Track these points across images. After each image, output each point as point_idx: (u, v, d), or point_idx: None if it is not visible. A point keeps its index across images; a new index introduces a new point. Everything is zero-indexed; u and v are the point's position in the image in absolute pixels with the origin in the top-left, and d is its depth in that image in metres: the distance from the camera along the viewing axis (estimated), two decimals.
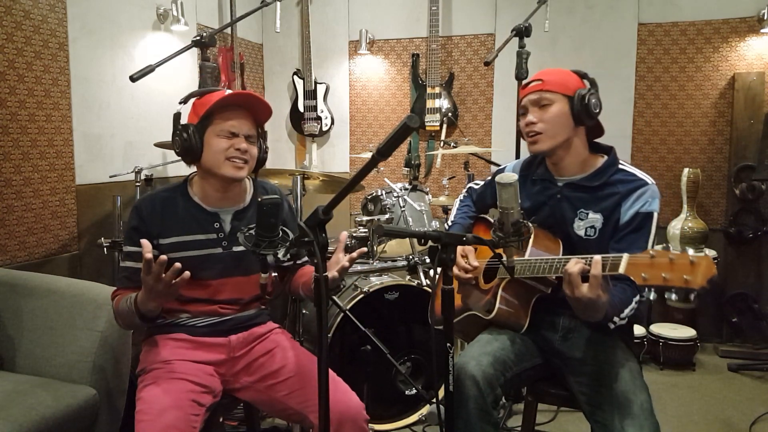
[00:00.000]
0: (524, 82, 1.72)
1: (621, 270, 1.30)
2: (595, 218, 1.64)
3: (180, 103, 1.66)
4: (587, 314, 1.48)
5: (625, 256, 1.30)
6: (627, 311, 1.55)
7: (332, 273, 1.54)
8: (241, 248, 1.67)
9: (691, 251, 1.25)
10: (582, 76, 1.69)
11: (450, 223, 1.99)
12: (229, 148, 1.62)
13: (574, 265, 1.40)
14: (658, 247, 1.32)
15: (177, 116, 1.64)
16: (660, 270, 1.24)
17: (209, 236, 1.68)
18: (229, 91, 1.65)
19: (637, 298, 1.56)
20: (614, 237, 1.61)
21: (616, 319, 1.55)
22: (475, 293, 1.78)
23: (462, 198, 2.05)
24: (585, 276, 1.39)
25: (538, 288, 1.65)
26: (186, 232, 1.66)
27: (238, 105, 1.65)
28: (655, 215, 1.59)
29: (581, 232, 1.66)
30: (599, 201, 1.64)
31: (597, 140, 1.75)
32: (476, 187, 2.02)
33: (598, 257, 1.37)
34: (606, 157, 1.69)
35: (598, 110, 1.64)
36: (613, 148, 1.72)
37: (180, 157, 1.66)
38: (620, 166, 1.67)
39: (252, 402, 1.74)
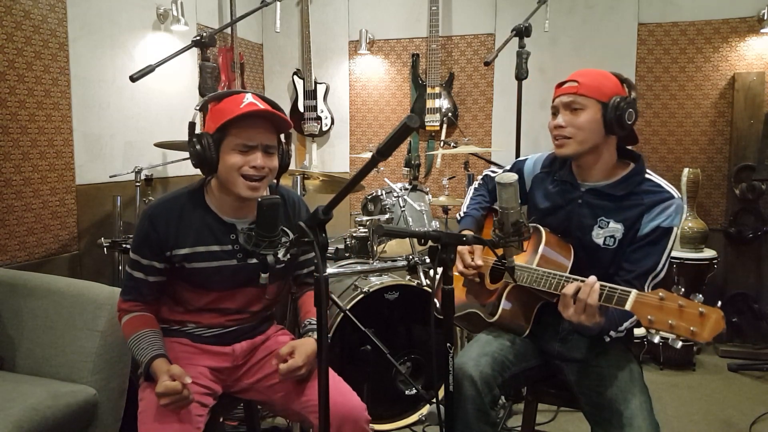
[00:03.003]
0: (559, 81, 1.62)
1: (627, 307, 1.26)
2: (616, 228, 1.58)
3: (196, 109, 1.56)
4: (580, 329, 1.51)
5: (634, 292, 1.27)
6: (626, 324, 1.52)
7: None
8: (255, 261, 1.62)
9: (700, 296, 1.22)
10: (622, 80, 1.60)
11: (462, 214, 1.92)
12: (244, 165, 1.52)
13: (571, 288, 1.41)
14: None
15: (192, 125, 1.54)
16: (667, 315, 1.20)
17: (224, 248, 1.60)
18: (248, 98, 1.53)
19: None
20: (629, 247, 1.57)
21: (612, 333, 1.54)
22: (480, 291, 1.78)
23: (476, 186, 1.98)
24: None
25: (544, 297, 1.64)
26: (201, 243, 1.59)
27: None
28: (675, 231, 1.53)
29: (599, 241, 1.61)
30: (622, 210, 1.58)
31: None
32: (493, 174, 1.93)
33: (597, 287, 1.36)
34: (633, 165, 1.62)
35: (632, 121, 1.54)
36: (642, 156, 1.64)
37: (196, 168, 1.57)
38: (647, 176, 1.60)
39: (252, 401, 1.74)
